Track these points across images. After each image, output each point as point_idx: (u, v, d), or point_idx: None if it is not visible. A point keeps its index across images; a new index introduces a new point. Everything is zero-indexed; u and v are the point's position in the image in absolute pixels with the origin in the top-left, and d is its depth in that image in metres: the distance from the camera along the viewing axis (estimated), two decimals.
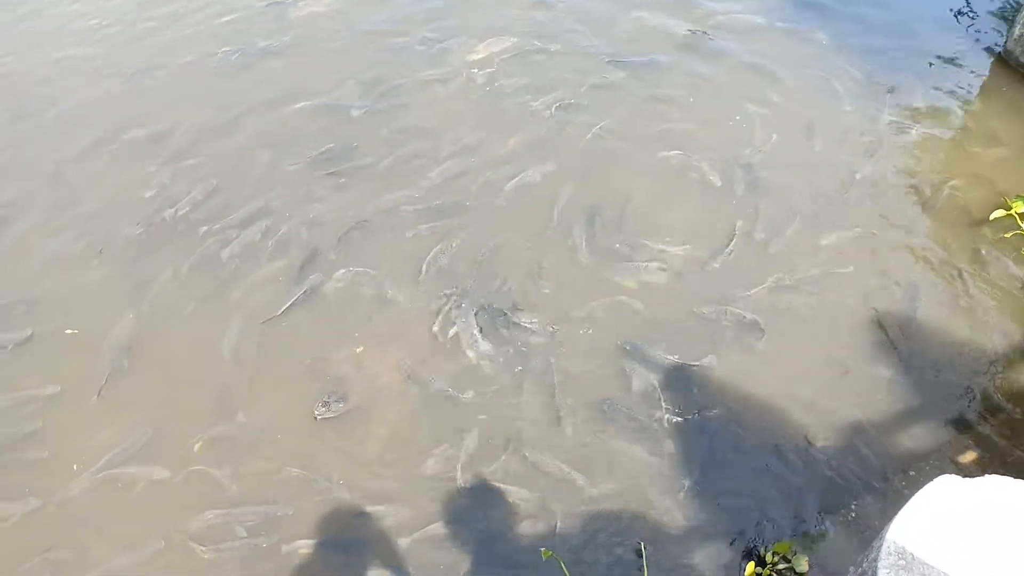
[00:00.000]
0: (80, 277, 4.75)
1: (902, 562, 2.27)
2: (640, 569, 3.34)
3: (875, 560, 2.32)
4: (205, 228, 4.96)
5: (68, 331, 4.43)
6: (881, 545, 2.33)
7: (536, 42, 6.28)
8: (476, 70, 6.04)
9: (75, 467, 3.83)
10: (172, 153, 5.54)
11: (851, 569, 2.54)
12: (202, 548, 3.53)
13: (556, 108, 5.64)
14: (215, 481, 3.75)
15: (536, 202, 4.98)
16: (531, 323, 4.24)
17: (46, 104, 6.12)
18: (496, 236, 4.76)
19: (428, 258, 4.63)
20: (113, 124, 5.85)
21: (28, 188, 5.38)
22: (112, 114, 5.98)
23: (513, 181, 5.09)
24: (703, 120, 5.50)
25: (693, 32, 6.30)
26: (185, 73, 6.37)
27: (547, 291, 4.44)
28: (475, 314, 4.28)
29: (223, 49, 6.53)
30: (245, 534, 3.56)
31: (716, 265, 4.50)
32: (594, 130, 5.43)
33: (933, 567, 2.23)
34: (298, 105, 5.87)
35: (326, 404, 3.94)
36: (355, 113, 5.76)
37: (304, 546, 3.52)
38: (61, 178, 5.44)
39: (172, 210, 5.07)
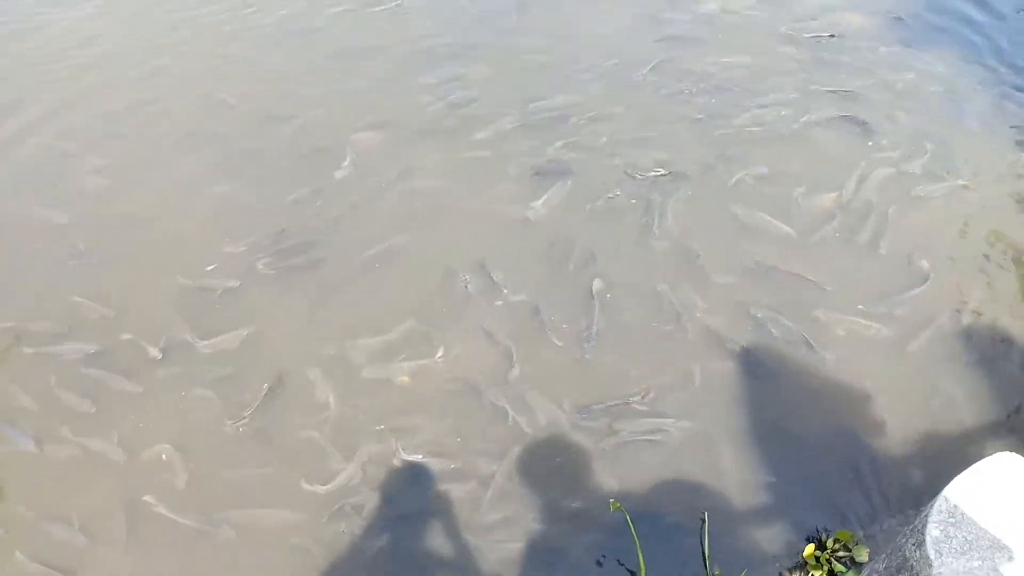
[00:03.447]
0: None
1: (952, 519, 2.41)
2: (701, 536, 3.53)
3: (927, 516, 2.46)
4: None
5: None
6: (935, 502, 2.47)
7: None
8: None
9: None
10: None
11: (905, 529, 2.67)
12: None
13: None
14: None
15: None
16: None
17: None
18: None
19: None
20: None
21: None
22: None
23: None
24: None
25: None
26: None
27: None
28: None
29: None
30: None
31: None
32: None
33: (980, 526, 2.36)
34: None
35: None
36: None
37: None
38: None
39: None
